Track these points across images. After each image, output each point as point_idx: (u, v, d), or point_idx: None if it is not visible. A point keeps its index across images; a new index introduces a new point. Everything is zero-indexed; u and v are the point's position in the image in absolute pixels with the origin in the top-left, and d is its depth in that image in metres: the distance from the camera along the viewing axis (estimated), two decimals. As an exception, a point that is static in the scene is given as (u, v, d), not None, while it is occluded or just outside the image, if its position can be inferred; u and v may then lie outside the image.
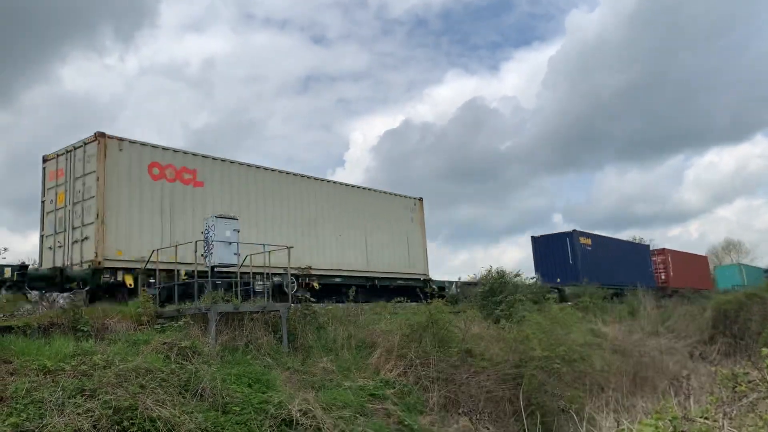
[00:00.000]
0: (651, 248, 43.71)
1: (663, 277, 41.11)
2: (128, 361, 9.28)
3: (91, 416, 7.76)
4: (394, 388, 12.40)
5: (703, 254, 55.49)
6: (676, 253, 44.56)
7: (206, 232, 13.81)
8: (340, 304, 16.63)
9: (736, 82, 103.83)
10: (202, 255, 13.78)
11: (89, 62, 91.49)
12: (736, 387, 6.52)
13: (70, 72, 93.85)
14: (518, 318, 17.31)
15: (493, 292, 20.05)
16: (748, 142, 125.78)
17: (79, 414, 7.73)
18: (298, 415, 9.42)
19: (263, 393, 10.05)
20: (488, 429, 12.24)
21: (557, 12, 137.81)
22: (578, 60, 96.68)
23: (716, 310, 27.57)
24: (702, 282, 46.97)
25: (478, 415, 12.43)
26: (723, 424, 4.88)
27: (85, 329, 11.05)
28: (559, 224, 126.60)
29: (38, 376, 8.49)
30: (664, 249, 42.89)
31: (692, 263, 46.88)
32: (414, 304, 17.81)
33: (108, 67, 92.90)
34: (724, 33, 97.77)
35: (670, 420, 4.62)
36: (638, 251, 41.02)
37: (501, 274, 20.80)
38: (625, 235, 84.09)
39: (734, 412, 5.52)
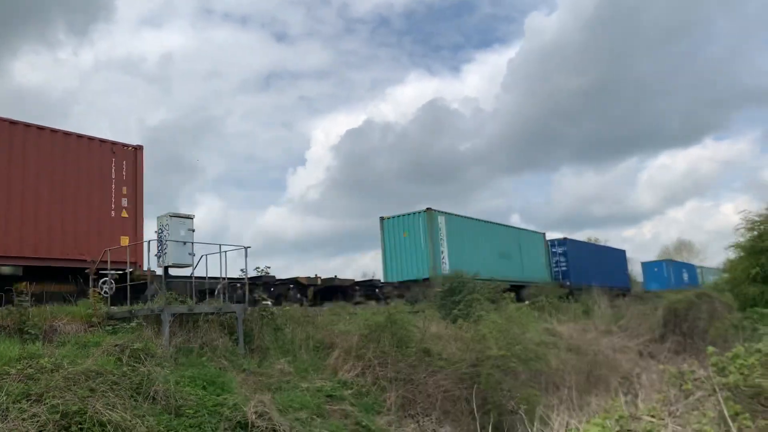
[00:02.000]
0: None
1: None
2: (77, 364, 8.99)
3: (37, 421, 7.49)
4: (352, 388, 12.38)
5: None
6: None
7: (160, 231, 13.44)
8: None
9: (687, 87, 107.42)
10: (156, 255, 13.45)
11: (40, 56, 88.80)
12: (682, 385, 6.70)
13: (21, 66, 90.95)
14: (476, 317, 17.50)
15: (451, 292, 20.21)
16: (698, 145, 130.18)
17: (24, 420, 7.46)
18: (254, 417, 9.29)
19: (218, 395, 9.88)
20: (437, 429, 12.31)
21: (518, 14, 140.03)
22: (536, 62, 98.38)
23: (667, 308, 28.33)
24: None
25: (434, 415, 12.49)
26: (668, 422, 5.01)
27: (32, 331, 10.71)
28: (517, 224, 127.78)
29: (-19, 380, 8.18)
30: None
31: None
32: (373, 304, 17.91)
33: (60, 61, 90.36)
34: (678, 38, 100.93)
35: (616, 419, 4.72)
36: None
37: (459, 274, 21.00)
38: (580, 235, 76.46)
39: (679, 410, 5.67)
